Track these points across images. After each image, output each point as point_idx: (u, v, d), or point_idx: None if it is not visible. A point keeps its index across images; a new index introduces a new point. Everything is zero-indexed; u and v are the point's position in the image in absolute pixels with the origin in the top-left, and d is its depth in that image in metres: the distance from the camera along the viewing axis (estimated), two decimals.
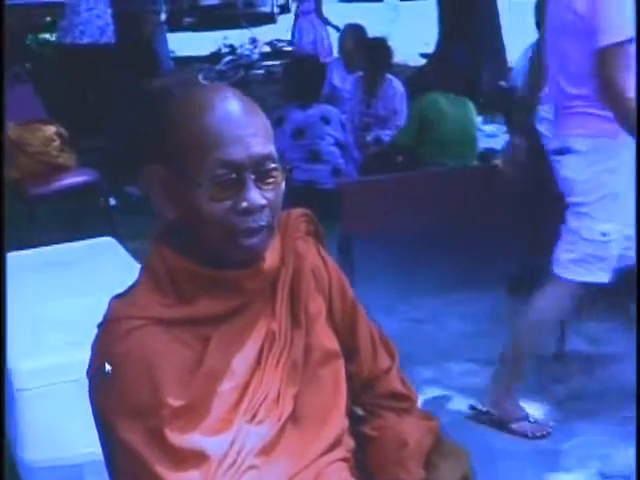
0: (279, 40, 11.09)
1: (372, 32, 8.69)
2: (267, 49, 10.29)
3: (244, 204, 1.74)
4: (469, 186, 5.59)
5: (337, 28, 10.39)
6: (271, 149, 1.78)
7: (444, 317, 4.88)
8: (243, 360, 1.84)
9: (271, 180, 1.78)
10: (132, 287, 1.86)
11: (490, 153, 7.22)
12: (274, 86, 9.72)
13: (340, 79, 7.95)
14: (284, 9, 19.15)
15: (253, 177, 1.75)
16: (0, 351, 1.95)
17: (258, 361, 1.86)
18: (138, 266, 1.93)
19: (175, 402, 1.73)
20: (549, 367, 4.44)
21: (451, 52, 7.60)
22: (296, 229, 1.98)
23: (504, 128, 7.86)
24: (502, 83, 6.49)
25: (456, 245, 5.36)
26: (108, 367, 1.75)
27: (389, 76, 7.52)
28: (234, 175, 1.74)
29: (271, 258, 1.87)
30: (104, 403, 1.76)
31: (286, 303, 1.92)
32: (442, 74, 6.72)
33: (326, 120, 6.75)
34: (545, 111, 4.52)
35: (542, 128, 4.71)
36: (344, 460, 1.92)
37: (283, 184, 1.82)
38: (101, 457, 1.88)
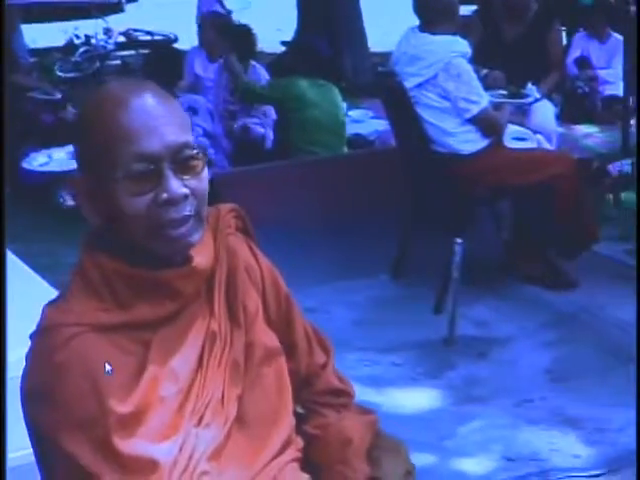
0: (135, 30, 10.88)
1: None
2: (122, 39, 10.12)
3: (164, 195, 1.66)
4: (345, 173, 5.57)
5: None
6: (187, 137, 1.71)
7: (332, 306, 4.83)
8: (185, 363, 1.76)
9: (191, 168, 1.70)
10: (63, 294, 1.76)
11: (358, 139, 7.22)
12: (130, 77, 9.51)
13: (202, 68, 7.80)
14: None
15: (172, 167, 1.67)
16: (0, 350, 1.81)
17: (199, 363, 1.78)
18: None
19: (121, 409, 1.65)
20: (441, 353, 4.44)
21: (310, 39, 7.57)
22: (227, 225, 1.90)
23: (371, 113, 7.88)
24: (381, 69, 6.50)
25: (339, 233, 5.33)
26: (48, 377, 1.66)
27: (253, 63, 7.43)
28: (152, 167, 1.66)
29: (204, 255, 1.79)
30: (44, 415, 1.66)
31: (223, 302, 1.85)
32: (302, 61, 6.68)
33: (194, 110, 6.66)
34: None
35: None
36: (296, 460, 1.88)
37: (205, 171, 1.73)
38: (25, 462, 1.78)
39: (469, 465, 3.49)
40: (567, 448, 3.64)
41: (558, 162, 4.78)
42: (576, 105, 7.75)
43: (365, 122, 7.65)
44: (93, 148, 1.69)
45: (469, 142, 4.74)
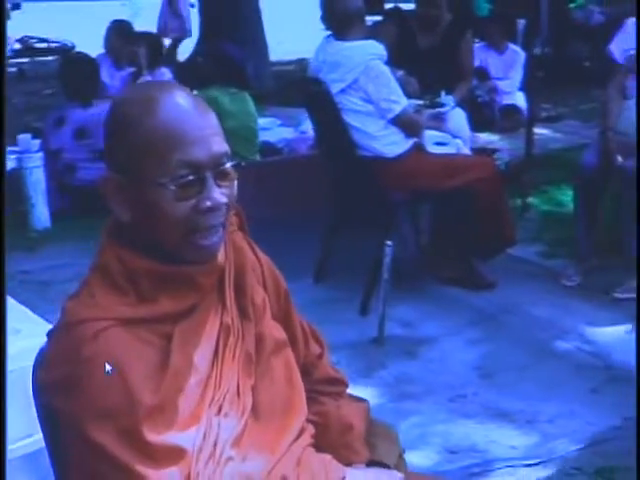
0: (30, 37, 10.73)
1: None
2: (18, 46, 9.98)
3: (207, 203, 1.73)
4: (268, 179, 5.64)
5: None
6: (227, 147, 1.78)
7: None
8: (203, 355, 1.83)
9: (227, 177, 1.78)
10: (83, 289, 1.80)
11: (266, 146, 7.28)
12: (26, 85, 9.39)
13: (108, 75, 7.78)
14: (16, 6, 18.67)
15: (213, 175, 1.74)
16: (0, 347, 1.82)
17: (215, 355, 1.85)
18: None
19: (149, 400, 1.70)
20: (371, 353, 4.54)
21: (222, 45, 7.60)
22: (230, 223, 1.97)
23: (278, 121, 7.96)
24: (305, 75, 6.59)
25: (262, 238, 5.37)
26: (75, 370, 1.70)
27: (162, 69, 7.45)
28: (197, 175, 1.72)
29: (221, 253, 1.87)
30: (71, 407, 1.70)
31: (233, 297, 1.92)
32: (218, 69, 6.71)
33: None
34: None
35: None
36: (311, 445, 1.96)
37: (235, 181, 1.81)
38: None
39: (414, 458, 3.59)
40: (503, 440, 3.77)
41: (479, 167, 4.94)
42: (476, 114, 7.98)
43: (273, 130, 7.73)
44: (136, 150, 1.72)
45: (393, 144, 4.86)
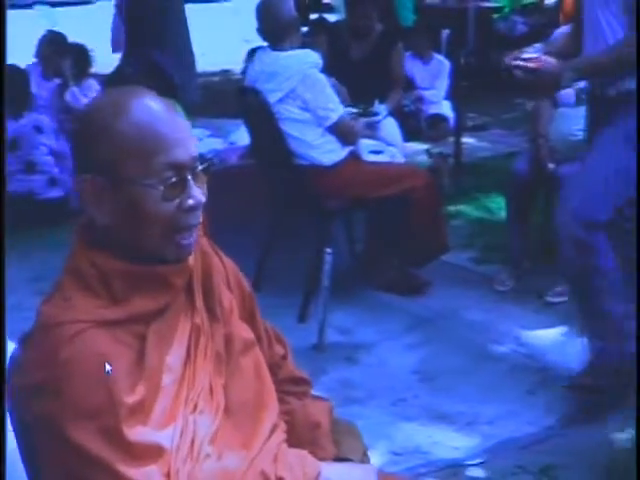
0: None
1: (28, 40, 8.42)
2: None
3: (190, 201, 1.80)
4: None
5: None
6: (197, 150, 1.84)
7: None
8: (177, 355, 1.87)
9: (201, 180, 1.85)
10: (57, 292, 1.83)
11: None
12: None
13: (37, 86, 7.71)
14: None
15: (192, 176, 1.81)
16: (0, 349, 1.84)
17: (188, 355, 1.90)
18: None
19: (129, 399, 1.74)
20: (312, 359, 4.58)
21: (150, 55, 7.55)
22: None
23: (207, 132, 7.95)
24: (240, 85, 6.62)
25: None
26: (53, 372, 1.72)
27: (90, 81, 7.42)
28: (179, 175, 1.79)
29: (191, 255, 1.92)
30: (50, 409, 1.71)
31: (202, 299, 1.97)
32: (148, 79, 6.67)
33: (38, 129, 6.61)
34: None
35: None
36: (284, 441, 2.02)
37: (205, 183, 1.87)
38: None
39: None
40: (446, 441, 3.84)
41: (414, 175, 5.02)
42: (403, 123, 8.07)
43: (203, 140, 7.71)
44: (118, 151, 1.76)
45: (330, 152, 4.91)
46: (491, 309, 5.03)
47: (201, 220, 1.86)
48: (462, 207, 6.41)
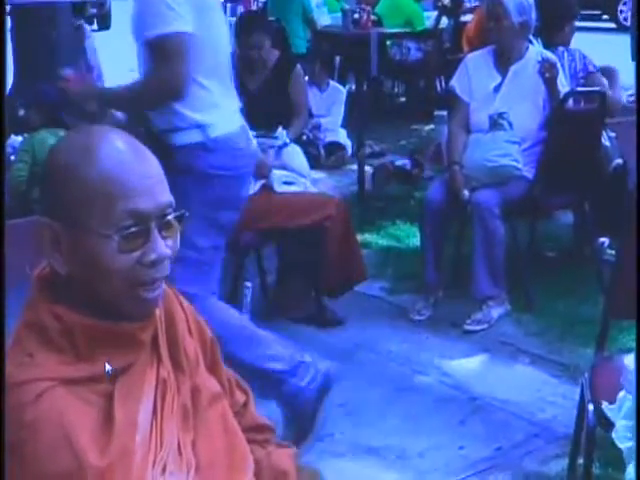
0: None
1: None
2: None
3: (152, 256, 1.67)
4: None
5: None
6: (171, 197, 1.72)
7: None
8: (145, 413, 1.75)
9: (170, 229, 1.72)
10: (17, 347, 1.69)
11: None
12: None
13: None
14: None
15: (157, 226, 1.68)
16: (0, 352, 1.67)
17: (154, 412, 1.78)
18: None
19: (98, 463, 1.62)
20: None
21: (40, 87, 7.34)
22: None
23: None
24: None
25: None
26: (17, 435, 1.59)
27: None
28: (142, 226, 1.66)
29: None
30: (16, 473, 1.59)
31: (166, 349, 1.84)
32: (39, 112, 6.49)
33: None
34: None
35: None
36: None
37: (178, 233, 1.74)
38: None
39: None
40: (377, 477, 3.77)
41: (327, 204, 4.95)
42: (303, 151, 8.01)
43: None
44: (78, 199, 1.64)
45: None
46: (409, 339, 4.97)
47: (167, 273, 1.72)
48: (368, 236, 6.34)
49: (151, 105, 3.65)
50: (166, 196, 1.69)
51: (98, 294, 1.68)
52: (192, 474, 1.76)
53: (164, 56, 3.45)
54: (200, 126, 3.58)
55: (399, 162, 7.82)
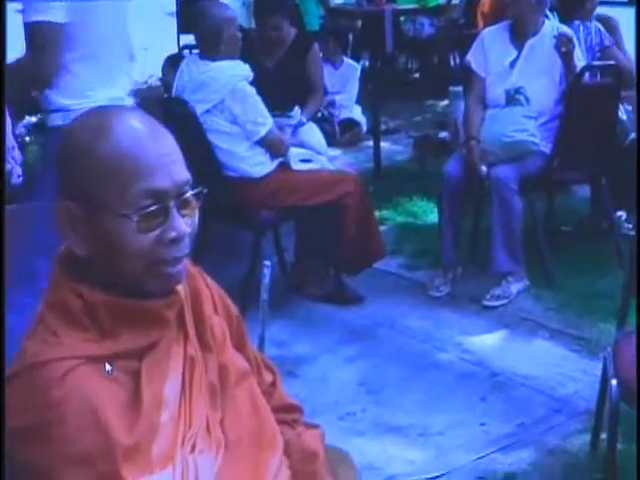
0: None
1: None
2: None
3: (172, 233, 1.66)
4: None
5: None
6: (188, 174, 1.70)
7: None
8: (172, 390, 1.74)
9: (190, 207, 1.70)
10: (40, 327, 1.68)
11: None
12: None
13: None
14: None
15: (176, 204, 1.66)
16: (0, 349, 1.68)
17: (183, 390, 1.76)
18: None
19: (127, 441, 1.61)
20: None
21: None
22: None
23: None
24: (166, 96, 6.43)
25: None
26: (43, 414, 1.58)
27: None
28: (160, 204, 1.64)
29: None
30: (40, 454, 1.57)
31: (193, 327, 1.83)
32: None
33: None
34: None
35: None
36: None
37: (197, 210, 1.73)
38: None
39: None
40: (400, 455, 3.76)
41: (345, 181, 4.93)
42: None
43: None
44: (95, 179, 1.63)
45: (259, 165, 4.82)
46: (428, 316, 4.96)
47: (188, 251, 1.71)
48: (385, 212, 6.32)
49: (23, 87, 3.73)
50: (184, 174, 1.67)
51: (119, 273, 1.67)
52: (221, 453, 1.75)
53: (34, 43, 3.51)
54: (63, 110, 3.60)
55: (441, 134, 7.74)
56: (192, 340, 1.80)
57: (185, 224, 1.67)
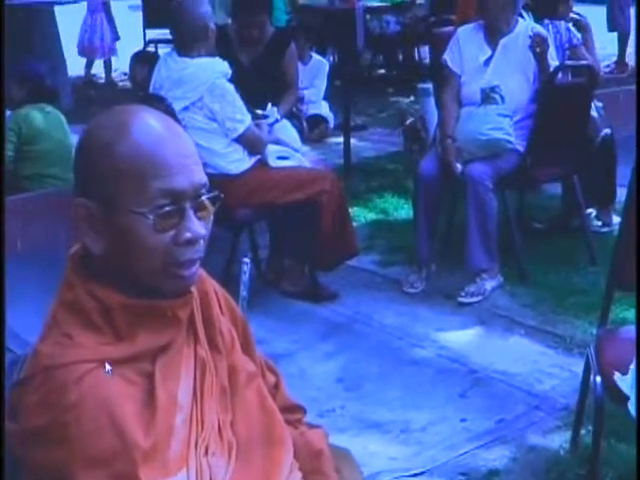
0: None
1: None
2: None
3: (188, 235, 1.66)
4: None
5: None
6: (206, 178, 1.71)
7: None
8: (185, 392, 1.75)
9: (205, 209, 1.71)
10: (54, 329, 1.69)
11: None
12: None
13: None
14: None
15: (192, 206, 1.67)
16: (0, 349, 1.67)
17: (194, 392, 1.78)
18: None
19: (144, 443, 1.62)
20: None
21: (24, 62, 7.27)
22: None
23: None
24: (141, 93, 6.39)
25: None
26: (60, 416, 1.59)
27: None
28: (176, 205, 1.65)
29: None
30: (56, 456, 1.59)
31: (203, 329, 1.84)
32: (25, 87, 6.41)
33: None
34: None
35: None
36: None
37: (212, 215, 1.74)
38: None
39: None
40: (381, 451, 3.77)
41: (322, 179, 4.95)
42: None
43: None
44: (112, 177, 1.63)
45: (237, 162, 4.84)
46: (404, 312, 4.99)
47: (203, 254, 1.72)
48: (356, 209, 6.34)
49: None
50: (201, 177, 1.68)
51: (134, 272, 1.67)
52: (233, 455, 1.77)
53: None
54: None
55: None
56: (202, 342, 1.81)
57: (201, 226, 1.68)
